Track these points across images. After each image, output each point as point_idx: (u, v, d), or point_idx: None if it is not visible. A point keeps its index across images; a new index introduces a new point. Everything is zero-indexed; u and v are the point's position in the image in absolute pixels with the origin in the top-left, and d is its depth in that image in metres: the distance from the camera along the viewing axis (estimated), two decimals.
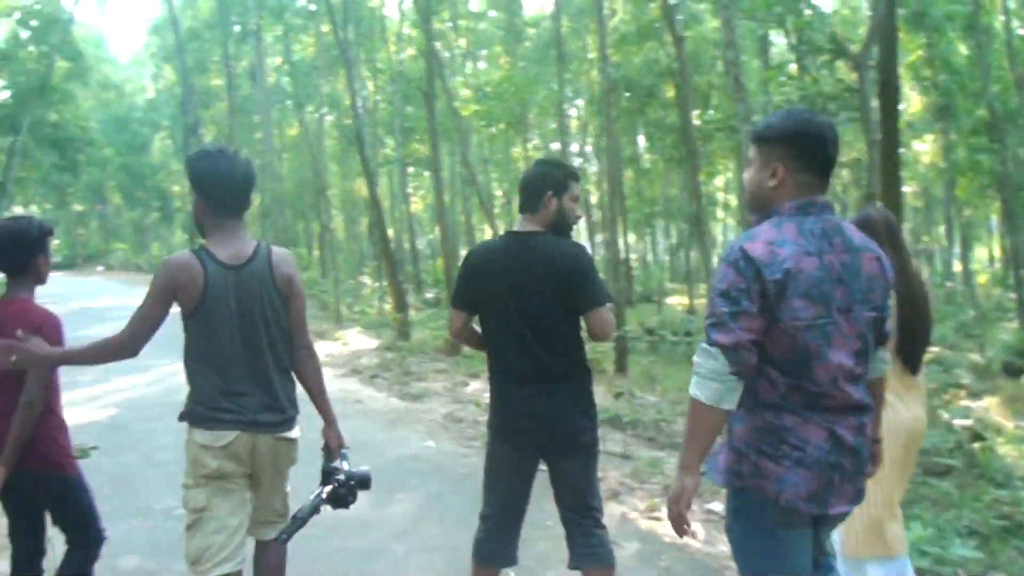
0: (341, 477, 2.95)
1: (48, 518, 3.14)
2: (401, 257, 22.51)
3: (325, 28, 19.74)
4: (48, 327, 2.91)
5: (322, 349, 11.63)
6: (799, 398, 2.22)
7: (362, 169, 17.42)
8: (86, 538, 3.13)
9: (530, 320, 3.05)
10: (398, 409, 8.20)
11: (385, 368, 10.77)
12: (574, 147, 23.98)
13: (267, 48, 26.11)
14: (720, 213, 29.12)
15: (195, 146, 22.73)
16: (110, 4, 45.02)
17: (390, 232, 22.81)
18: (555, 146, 24.44)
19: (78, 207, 46.72)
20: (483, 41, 24.20)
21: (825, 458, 2.21)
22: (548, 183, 3.16)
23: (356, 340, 14.39)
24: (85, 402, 8.19)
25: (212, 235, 2.83)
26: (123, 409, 8.01)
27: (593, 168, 27.88)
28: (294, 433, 2.95)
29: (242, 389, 2.80)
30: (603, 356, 11.46)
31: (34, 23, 23.19)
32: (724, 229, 29.61)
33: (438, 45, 21.60)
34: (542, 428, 3.05)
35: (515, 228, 3.21)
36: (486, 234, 20.56)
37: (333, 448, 3.07)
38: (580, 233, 21.63)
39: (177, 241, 37.28)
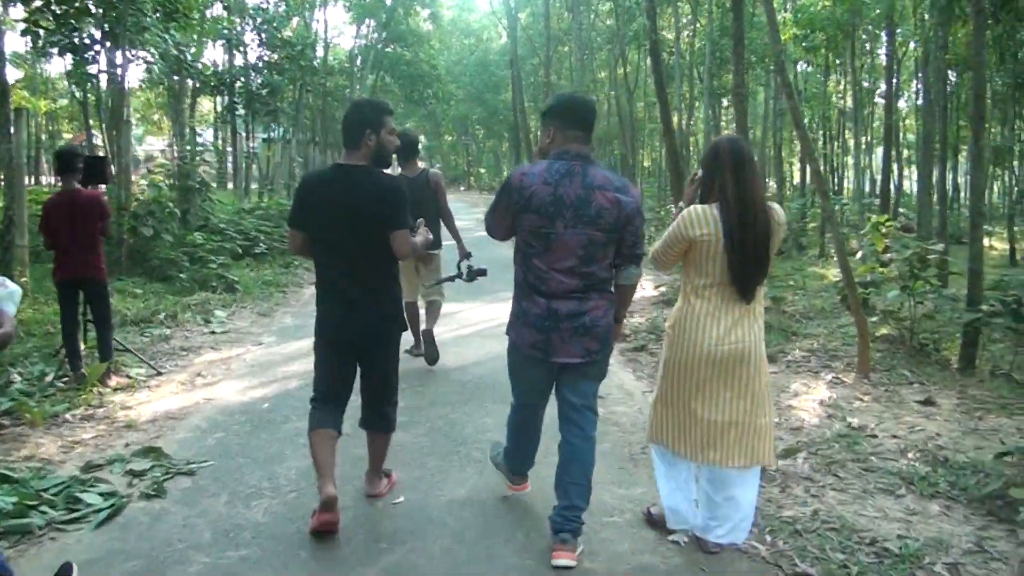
0: (462, 268, 5.78)
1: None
2: None
3: None
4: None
5: None
6: (531, 281, 3.34)
7: (657, 100, 17.49)
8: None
9: (353, 242, 3.47)
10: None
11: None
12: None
13: None
14: None
15: (518, 80, 24.76)
16: None
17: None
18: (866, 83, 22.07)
19: (448, 137, 56.94)
20: None
21: (542, 323, 3.31)
22: (365, 122, 3.46)
23: None
24: (266, 367, 6.81)
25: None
26: (296, 384, 6.17)
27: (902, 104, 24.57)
28: (436, 252, 6.40)
29: None
30: (944, 339, 7.42)
31: None
32: None
33: None
34: (358, 332, 3.60)
35: (341, 161, 3.55)
36: (795, 169, 19.42)
37: (460, 255, 6.15)
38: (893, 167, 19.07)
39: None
